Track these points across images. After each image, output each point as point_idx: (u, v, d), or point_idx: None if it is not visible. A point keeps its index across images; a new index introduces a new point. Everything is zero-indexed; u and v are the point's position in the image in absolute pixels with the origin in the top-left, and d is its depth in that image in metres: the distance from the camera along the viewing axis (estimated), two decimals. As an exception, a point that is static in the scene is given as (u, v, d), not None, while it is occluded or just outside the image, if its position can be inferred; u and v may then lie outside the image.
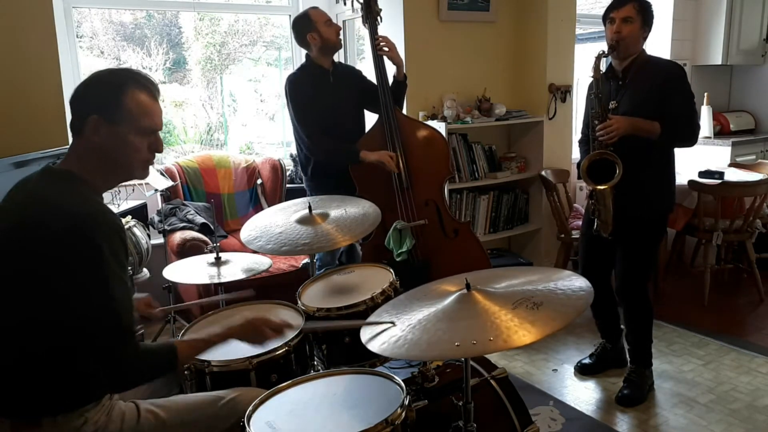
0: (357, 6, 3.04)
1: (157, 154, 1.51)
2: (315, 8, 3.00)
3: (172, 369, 1.42)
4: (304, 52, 3.05)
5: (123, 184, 3.49)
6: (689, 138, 2.54)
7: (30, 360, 1.33)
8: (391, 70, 3.05)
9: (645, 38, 2.56)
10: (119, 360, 1.32)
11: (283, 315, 1.96)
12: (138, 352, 1.35)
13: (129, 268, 1.43)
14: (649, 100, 2.50)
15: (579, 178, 2.72)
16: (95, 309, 1.29)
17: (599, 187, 2.50)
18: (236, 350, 1.70)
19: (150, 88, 1.44)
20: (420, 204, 3.01)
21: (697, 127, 2.56)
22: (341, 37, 3.03)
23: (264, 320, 1.57)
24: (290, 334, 1.72)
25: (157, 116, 1.46)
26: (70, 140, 1.45)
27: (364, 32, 3.07)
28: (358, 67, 3.85)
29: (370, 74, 3.10)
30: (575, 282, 1.44)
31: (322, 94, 2.94)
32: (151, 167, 1.64)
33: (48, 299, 1.29)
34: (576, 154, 3.26)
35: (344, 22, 4.25)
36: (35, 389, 1.34)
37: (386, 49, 2.98)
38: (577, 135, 3.31)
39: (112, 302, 1.30)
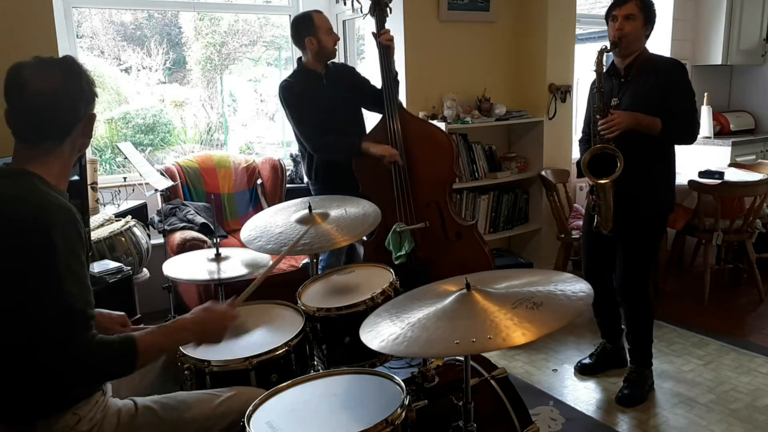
0: (359, 3, 3.03)
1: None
2: (319, 13, 2.98)
3: (131, 363, 1.33)
4: (298, 54, 3.05)
5: (123, 184, 3.52)
6: (689, 136, 2.55)
7: (7, 361, 1.31)
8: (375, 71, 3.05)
9: (647, 36, 2.57)
10: (71, 354, 1.27)
11: (282, 315, 1.96)
12: (92, 345, 1.30)
13: (86, 259, 1.36)
14: (650, 98, 2.51)
15: (578, 177, 2.71)
16: (47, 302, 1.26)
17: (600, 181, 2.50)
18: (235, 350, 1.71)
19: None
20: (421, 206, 2.98)
21: (697, 125, 2.57)
22: (338, 47, 3.01)
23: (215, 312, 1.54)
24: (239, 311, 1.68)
25: None
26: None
27: (364, 32, 3.08)
28: (359, 67, 3.85)
29: (367, 72, 3.09)
30: (576, 284, 1.44)
31: (316, 99, 2.93)
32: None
33: (4, 294, 1.28)
34: (576, 153, 3.26)
35: (344, 22, 4.25)
36: (20, 391, 1.32)
37: (391, 42, 2.95)
38: (577, 135, 3.31)
39: (65, 295, 1.27)
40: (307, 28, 2.91)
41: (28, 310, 1.27)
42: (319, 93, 2.95)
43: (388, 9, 2.98)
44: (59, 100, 1.35)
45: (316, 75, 2.97)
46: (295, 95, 2.92)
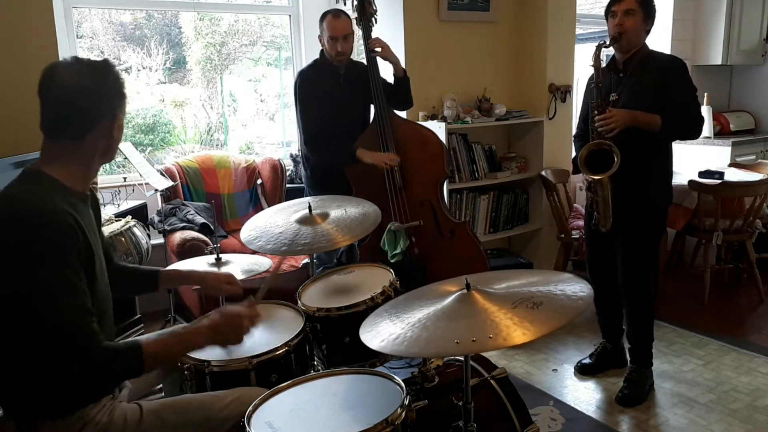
0: (354, 5, 3.05)
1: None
2: (335, 17, 2.91)
3: (138, 369, 1.34)
4: (305, 50, 3.05)
5: (123, 184, 3.52)
6: (692, 130, 2.53)
7: (12, 364, 1.31)
8: (387, 70, 3.05)
9: (647, 32, 2.56)
10: (73, 365, 1.26)
11: (283, 315, 1.96)
12: (96, 355, 1.28)
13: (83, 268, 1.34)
14: (649, 93, 2.50)
15: (574, 173, 2.70)
16: (40, 314, 1.24)
17: (596, 176, 2.49)
18: (235, 350, 1.70)
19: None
20: (414, 205, 3.02)
21: (701, 119, 2.54)
22: (343, 57, 2.96)
23: (236, 313, 1.54)
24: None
25: None
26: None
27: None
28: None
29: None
30: (576, 284, 1.44)
31: (329, 94, 2.96)
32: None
33: (3, 303, 1.27)
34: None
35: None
36: (25, 393, 1.32)
37: (378, 49, 3.00)
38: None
39: (56, 306, 1.24)
40: (320, 27, 2.96)
41: (23, 321, 1.25)
42: (333, 88, 2.98)
43: (373, 20, 3.03)
44: (80, 95, 1.35)
45: (334, 71, 2.99)
46: (308, 88, 2.95)
